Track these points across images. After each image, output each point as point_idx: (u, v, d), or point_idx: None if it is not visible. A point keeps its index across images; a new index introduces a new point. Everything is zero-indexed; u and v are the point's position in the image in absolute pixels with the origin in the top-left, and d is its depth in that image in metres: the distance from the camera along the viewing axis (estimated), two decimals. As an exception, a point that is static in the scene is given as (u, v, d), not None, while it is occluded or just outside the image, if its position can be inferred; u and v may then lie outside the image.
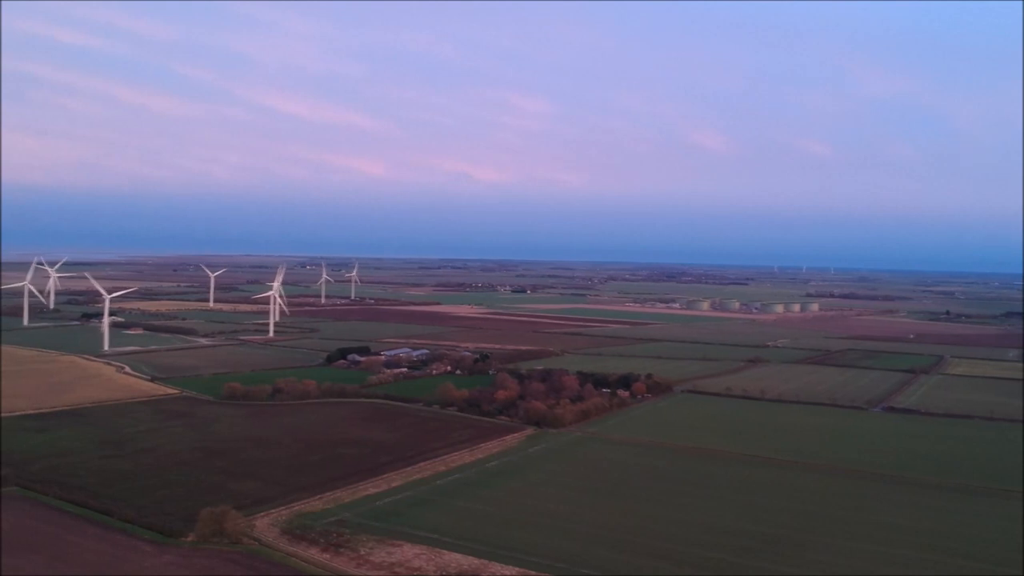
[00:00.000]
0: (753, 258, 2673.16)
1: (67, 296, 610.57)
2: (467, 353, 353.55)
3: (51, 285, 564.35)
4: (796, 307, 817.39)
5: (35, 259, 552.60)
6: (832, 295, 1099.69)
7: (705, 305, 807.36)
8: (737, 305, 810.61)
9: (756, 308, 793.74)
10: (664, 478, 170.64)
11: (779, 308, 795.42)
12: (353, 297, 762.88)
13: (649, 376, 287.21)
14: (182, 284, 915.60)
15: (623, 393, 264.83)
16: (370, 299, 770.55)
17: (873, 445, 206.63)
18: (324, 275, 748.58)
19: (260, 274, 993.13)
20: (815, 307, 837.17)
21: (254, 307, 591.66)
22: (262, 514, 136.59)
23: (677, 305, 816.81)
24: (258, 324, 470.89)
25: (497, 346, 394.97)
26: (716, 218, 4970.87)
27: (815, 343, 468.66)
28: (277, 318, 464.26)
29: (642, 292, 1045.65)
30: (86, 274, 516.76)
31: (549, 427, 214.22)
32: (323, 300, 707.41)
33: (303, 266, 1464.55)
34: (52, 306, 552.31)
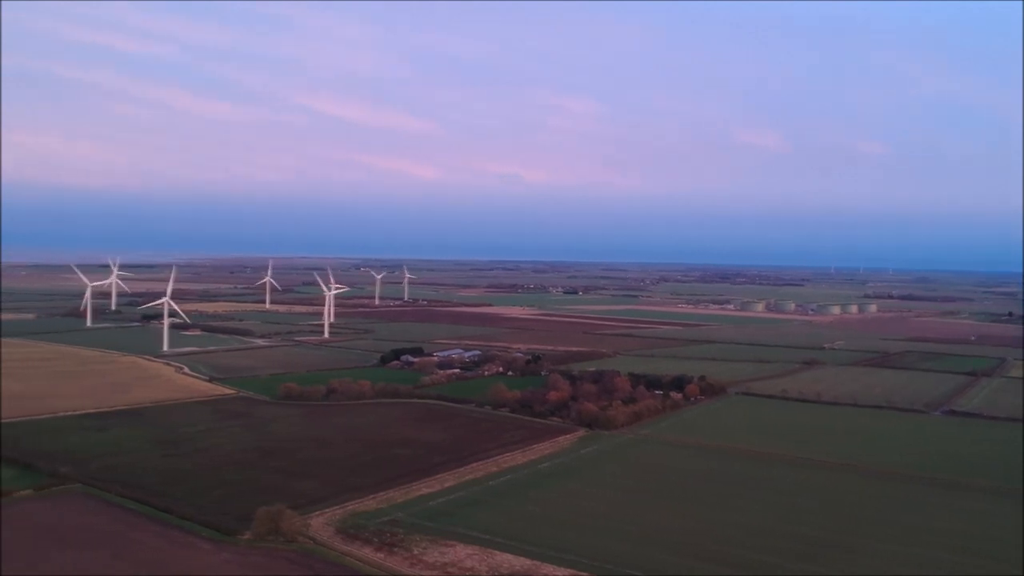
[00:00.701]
0: (808, 259, 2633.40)
1: (128, 297, 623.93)
2: (519, 354, 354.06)
3: (113, 287, 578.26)
4: (853, 308, 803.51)
5: (100, 262, 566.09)
6: (890, 296, 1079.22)
7: (759, 306, 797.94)
8: (792, 306, 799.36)
9: (812, 309, 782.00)
10: (717, 481, 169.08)
11: (835, 309, 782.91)
12: (406, 298, 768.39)
13: (702, 378, 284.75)
14: (239, 286, 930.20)
15: (676, 395, 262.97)
16: (423, 300, 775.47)
17: (931, 449, 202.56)
18: (378, 277, 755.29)
19: (315, 276, 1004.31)
20: (873, 308, 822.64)
21: (309, 308, 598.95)
22: (317, 513, 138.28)
23: (731, 306, 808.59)
24: (313, 325, 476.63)
25: (549, 347, 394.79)
26: (770, 218, 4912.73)
27: (873, 345, 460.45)
28: (332, 319, 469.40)
29: (695, 293, 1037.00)
30: (151, 275, 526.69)
31: (601, 429, 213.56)
32: (377, 301, 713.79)
33: (357, 268, 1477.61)
34: (114, 307, 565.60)
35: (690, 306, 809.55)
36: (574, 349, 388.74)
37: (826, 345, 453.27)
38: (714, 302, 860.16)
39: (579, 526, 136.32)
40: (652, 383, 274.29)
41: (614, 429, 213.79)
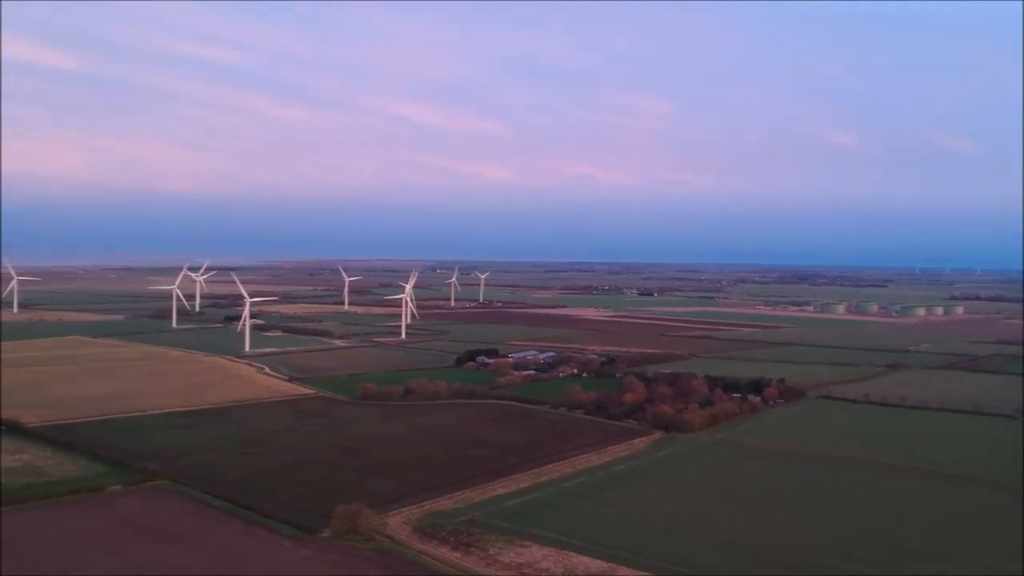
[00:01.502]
0: (892, 259, 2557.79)
1: (211, 299, 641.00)
2: (594, 356, 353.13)
3: (197, 289, 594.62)
4: (939, 310, 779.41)
5: (185, 265, 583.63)
6: (978, 298, 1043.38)
7: (840, 308, 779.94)
8: (875, 308, 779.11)
9: (896, 311, 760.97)
10: (797, 486, 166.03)
11: (920, 311, 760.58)
12: (481, 300, 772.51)
13: (781, 381, 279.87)
14: (318, 287, 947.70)
15: (754, 398, 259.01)
16: (498, 302, 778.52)
17: (1021, 455, 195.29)
18: (454, 279, 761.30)
19: (392, 277, 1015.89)
20: (960, 310, 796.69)
21: (387, 310, 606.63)
22: (394, 512, 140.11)
23: (811, 308, 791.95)
24: (391, 326, 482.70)
25: (624, 349, 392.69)
26: (851, 218, 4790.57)
27: (960, 348, 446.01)
28: (408, 320, 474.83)
29: (773, 294, 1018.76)
30: (234, 277, 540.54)
31: (677, 431, 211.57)
32: (452, 303, 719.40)
33: (433, 270, 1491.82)
34: (198, 309, 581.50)
35: (768, 308, 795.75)
36: (649, 351, 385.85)
37: (911, 348, 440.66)
38: (793, 304, 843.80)
39: (655, 530, 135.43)
40: (729, 386, 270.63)
41: (690, 432, 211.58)
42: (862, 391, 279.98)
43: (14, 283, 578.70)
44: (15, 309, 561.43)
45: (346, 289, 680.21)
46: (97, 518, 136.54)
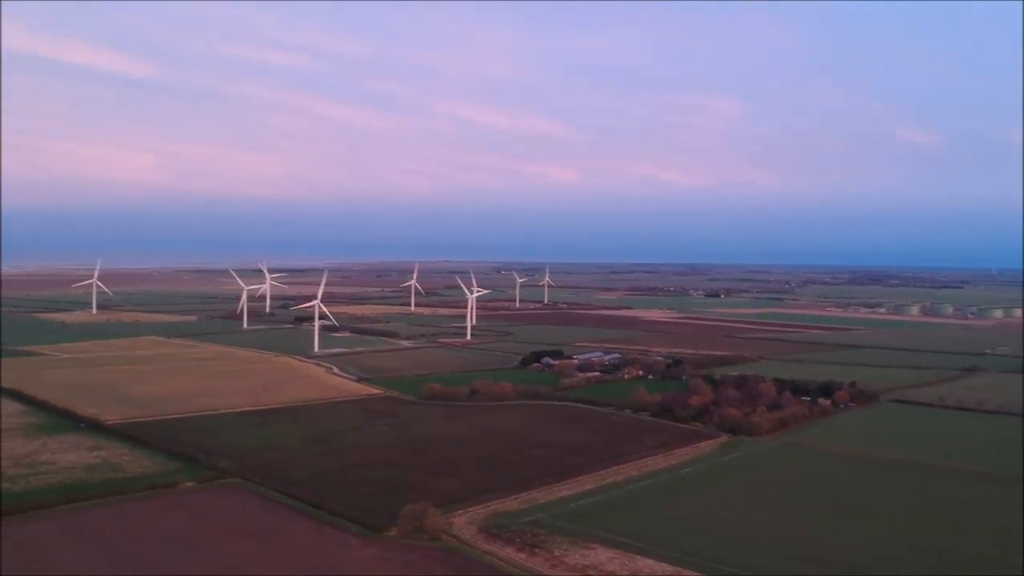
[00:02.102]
0: (967, 260, 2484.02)
1: (281, 300, 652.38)
2: (659, 358, 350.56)
3: (268, 290, 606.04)
4: (1018, 312, 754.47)
5: (257, 266, 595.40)
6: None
7: (914, 309, 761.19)
8: (950, 310, 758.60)
9: (972, 313, 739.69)
10: (867, 492, 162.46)
11: (998, 313, 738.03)
12: (546, 301, 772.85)
13: (852, 384, 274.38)
14: (385, 289, 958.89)
15: (824, 401, 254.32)
16: (562, 303, 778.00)
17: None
18: (518, 280, 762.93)
19: (457, 279, 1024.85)
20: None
21: (452, 311, 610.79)
22: (460, 512, 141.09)
23: (883, 309, 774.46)
24: (456, 327, 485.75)
25: (690, 351, 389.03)
26: (925, 217, 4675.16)
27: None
28: (474, 322, 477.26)
29: (844, 296, 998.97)
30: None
31: (744, 435, 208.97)
32: (517, 304, 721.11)
33: (498, 271, 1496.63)
34: (268, 310, 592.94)
35: (839, 309, 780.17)
36: (716, 353, 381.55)
37: (988, 351, 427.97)
38: (865, 305, 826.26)
39: (722, 534, 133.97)
40: (798, 389, 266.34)
41: (758, 436, 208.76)
42: (937, 395, 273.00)
43: (94, 285, 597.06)
44: (94, 310, 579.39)
45: (412, 290, 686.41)
46: (173, 514, 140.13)
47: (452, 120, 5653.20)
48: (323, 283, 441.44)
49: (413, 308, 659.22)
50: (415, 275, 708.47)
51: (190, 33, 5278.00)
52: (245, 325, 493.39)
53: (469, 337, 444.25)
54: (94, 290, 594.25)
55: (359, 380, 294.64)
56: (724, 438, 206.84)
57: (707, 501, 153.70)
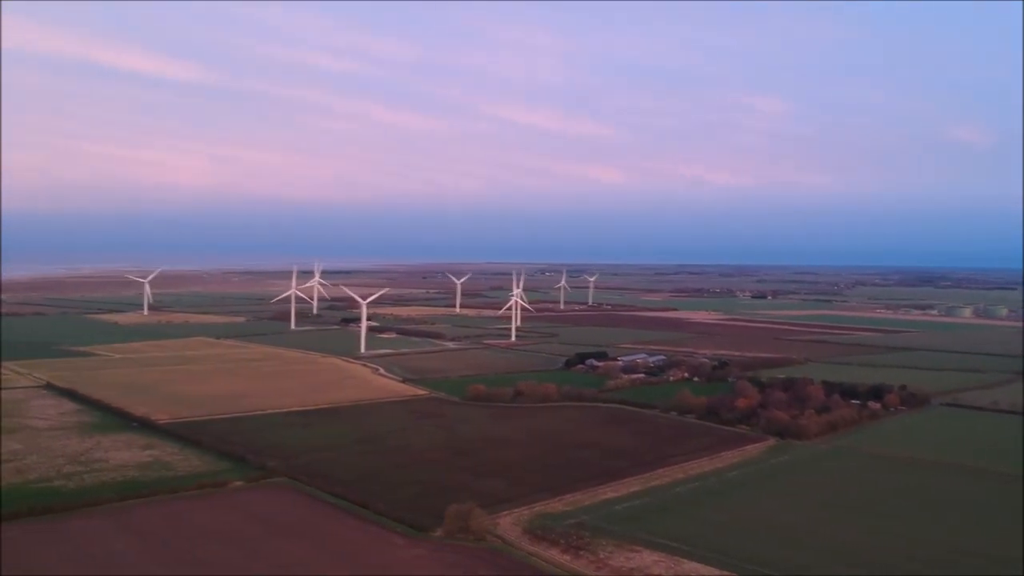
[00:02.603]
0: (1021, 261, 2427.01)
1: (328, 302, 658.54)
2: (705, 360, 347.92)
3: (315, 292, 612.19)
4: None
5: (304, 268, 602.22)
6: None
7: (967, 311, 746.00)
8: (1005, 312, 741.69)
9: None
10: (917, 497, 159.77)
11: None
12: (590, 303, 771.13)
13: (903, 387, 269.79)
14: (430, 291, 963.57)
15: (874, 405, 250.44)
16: (607, 305, 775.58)
17: None
18: (563, 282, 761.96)
19: (503, 280, 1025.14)
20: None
21: (497, 312, 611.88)
22: (505, 513, 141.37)
23: (935, 311, 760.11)
24: (501, 329, 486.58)
25: (736, 353, 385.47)
26: (979, 217, 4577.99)
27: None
28: (518, 323, 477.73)
29: (894, 298, 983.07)
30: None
31: (792, 438, 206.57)
32: (562, 306, 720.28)
33: (542, 273, 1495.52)
34: (315, 311, 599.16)
35: (889, 311, 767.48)
36: (763, 355, 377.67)
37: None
38: (916, 307, 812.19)
39: (770, 538, 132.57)
40: (848, 392, 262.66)
41: (806, 439, 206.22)
42: (990, 398, 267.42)
43: (146, 286, 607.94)
44: (145, 311, 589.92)
45: (458, 292, 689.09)
46: (223, 513, 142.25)
47: (500, 122, 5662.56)
48: (368, 285, 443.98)
49: (458, 309, 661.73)
50: (459, 277, 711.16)
51: (243, 38, 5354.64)
52: (293, 326, 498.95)
53: (513, 339, 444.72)
54: (146, 292, 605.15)
55: (404, 381, 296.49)
56: (771, 441, 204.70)
57: (754, 505, 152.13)
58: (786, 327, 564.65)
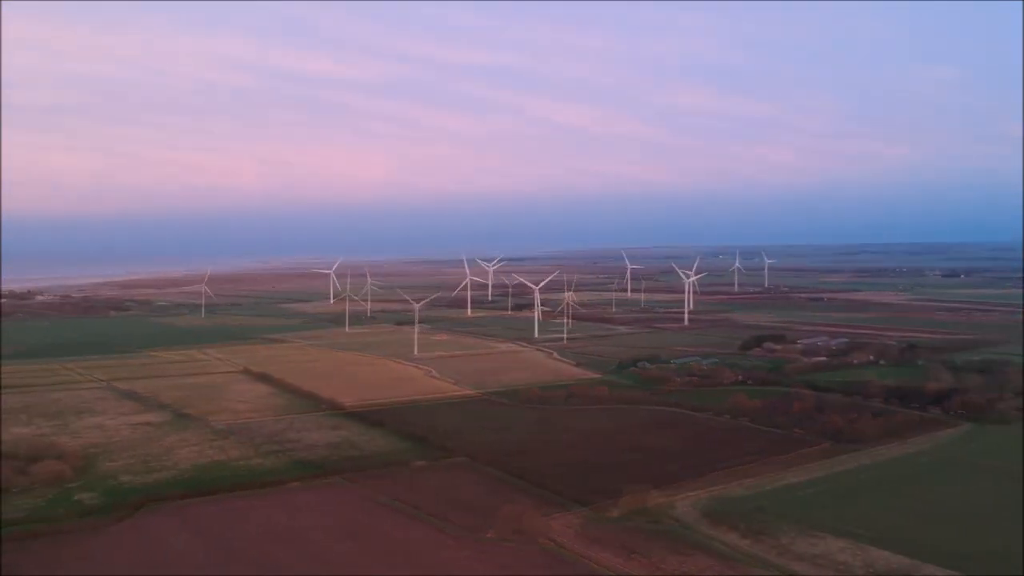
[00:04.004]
0: None
1: (502, 289, 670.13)
2: (891, 342, 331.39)
3: (489, 279, 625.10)
4: None
5: (480, 256, 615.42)
6: None
7: None
8: None
9: None
10: None
11: None
12: (766, 285, 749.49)
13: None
14: (601, 276, 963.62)
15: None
16: (783, 286, 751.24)
17: None
18: (736, 263, 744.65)
19: (675, 264, 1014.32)
20: None
21: (668, 296, 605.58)
22: (681, 495, 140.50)
23: None
24: (672, 312, 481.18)
25: (926, 335, 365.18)
26: None
27: None
28: (690, 306, 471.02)
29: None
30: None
31: (989, 423, 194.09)
32: (736, 288, 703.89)
33: (715, 255, 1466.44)
34: (490, 298, 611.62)
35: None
36: (956, 337, 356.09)
37: None
38: None
39: (963, 527, 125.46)
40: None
41: (1005, 424, 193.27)
42: None
43: (332, 277, 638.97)
44: (331, 300, 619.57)
45: (628, 276, 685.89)
46: (407, 490, 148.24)
47: (662, 106, 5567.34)
48: (539, 272, 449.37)
49: (629, 293, 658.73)
50: (629, 261, 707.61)
51: (400, 38, 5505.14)
52: (469, 313, 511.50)
53: (686, 322, 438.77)
54: (331, 281, 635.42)
55: (578, 365, 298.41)
56: (966, 427, 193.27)
57: (946, 493, 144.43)
58: (981, 307, 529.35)
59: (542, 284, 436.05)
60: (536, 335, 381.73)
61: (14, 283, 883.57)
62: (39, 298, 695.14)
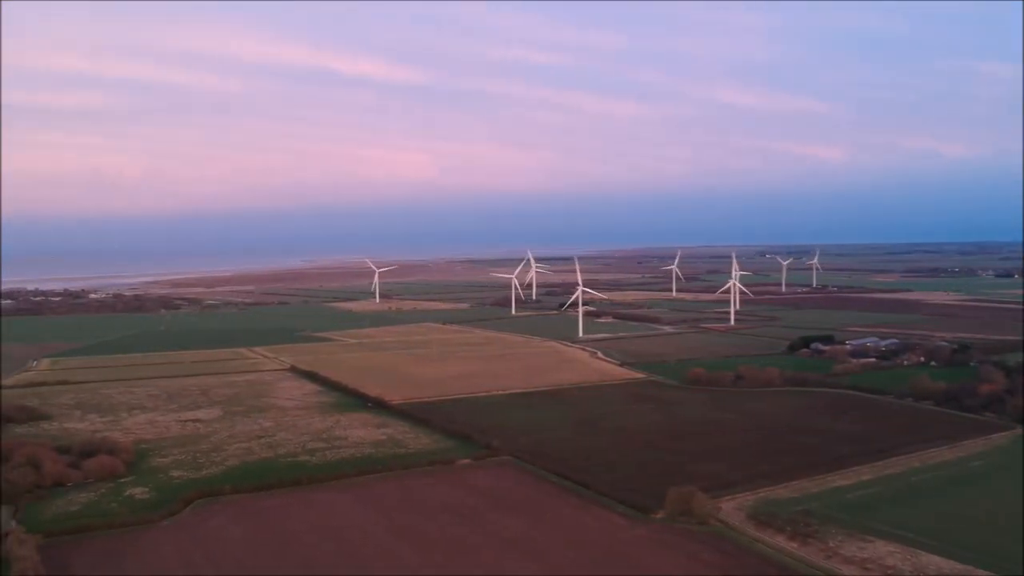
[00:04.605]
0: None
1: (546, 288, 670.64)
2: (943, 343, 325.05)
3: (533, 279, 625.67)
4: None
5: (522, 256, 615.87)
6: None
7: None
8: None
9: None
10: None
11: None
12: (814, 285, 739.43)
13: None
14: (646, 275, 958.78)
15: None
16: (832, 287, 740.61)
17: None
18: (783, 263, 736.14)
19: (719, 264, 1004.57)
20: None
21: (714, 296, 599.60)
22: (727, 497, 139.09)
23: None
24: (719, 312, 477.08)
25: (979, 336, 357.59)
26: None
27: None
28: (737, 307, 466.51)
29: None
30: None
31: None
32: (783, 288, 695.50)
33: (761, 255, 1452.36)
34: (535, 297, 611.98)
35: None
36: (1010, 338, 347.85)
37: None
38: None
39: (1018, 534, 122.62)
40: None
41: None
42: None
43: (376, 276, 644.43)
44: (376, 299, 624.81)
45: (673, 276, 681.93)
46: (451, 488, 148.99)
47: (709, 104, 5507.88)
48: (583, 271, 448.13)
49: (674, 293, 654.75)
50: (676, 261, 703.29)
51: (455, 38, 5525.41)
52: (513, 312, 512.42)
53: (732, 322, 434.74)
54: (376, 281, 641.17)
55: (622, 364, 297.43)
56: (1020, 430, 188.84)
57: (1001, 497, 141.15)
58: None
59: (586, 285, 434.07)
60: (580, 335, 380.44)
61: (68, 282, 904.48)
62: (92, 296, 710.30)
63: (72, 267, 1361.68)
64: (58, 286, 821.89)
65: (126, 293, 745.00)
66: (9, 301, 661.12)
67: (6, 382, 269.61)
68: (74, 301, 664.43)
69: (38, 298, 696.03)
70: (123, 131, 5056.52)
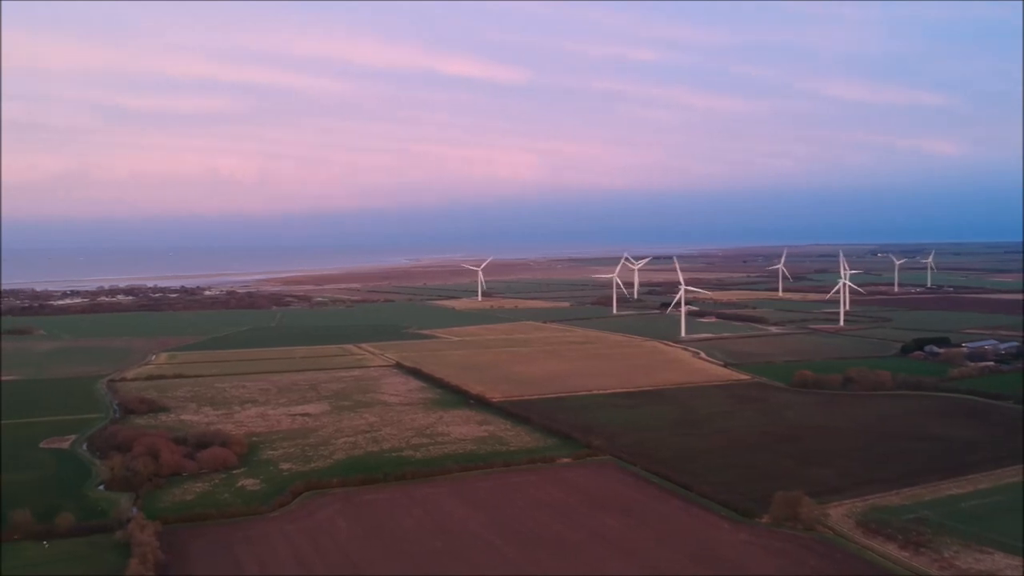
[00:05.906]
0: None
1: (648, 287, 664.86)
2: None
3: (635, 277, 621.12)
4: None
5: (624, 255, 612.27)
6: None
7: None
8: None
9: None
10: None
11: None
12: (929, 285, 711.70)
13: None
14: (751, 275, 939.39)
15: None
16: (948, 287, 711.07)
17: None
18: (896, 263, 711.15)
19: (828, 263, 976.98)
20: None
21: (822, 296, 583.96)
22: (835, 504, 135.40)
23: None
24: (827, 313, 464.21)
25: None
26: None
27: None
28: (847, 307, 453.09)
29: None
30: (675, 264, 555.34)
31: None
32: (896, 288, 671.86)
33: (873, 254, 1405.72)
34: (636, 296, 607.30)
35: None
36: None
37: None
38: None
39: None
40: None
41: None
42: None
43: (479, 274, 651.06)
44: (479, 297, 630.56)
45: (780, 275, 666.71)
46: (551, 487, 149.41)
47: (820, 99, 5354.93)
48: (686, 270, 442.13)
49: (781, 293, 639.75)
50: (782, 259, 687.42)
51: (557, 38, 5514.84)
52: (614, 311, 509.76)
53: (842, 323, 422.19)
54: (479, 279, 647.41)
55: (726, 365, 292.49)
56: None
57: None
58: None
59: (690, 284, 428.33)
60: (683, 334, 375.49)
61: (184, 279, 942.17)
62: (207, 293, 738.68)
63: (188, 265, 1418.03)
64: (175, 283, 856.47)
65: (239, 290, 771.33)
66: (129, 297, 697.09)
67: (128, 375, 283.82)
68: (190, 298, 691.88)
69: (156, 294, 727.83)
70: (239, 133, 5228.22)
